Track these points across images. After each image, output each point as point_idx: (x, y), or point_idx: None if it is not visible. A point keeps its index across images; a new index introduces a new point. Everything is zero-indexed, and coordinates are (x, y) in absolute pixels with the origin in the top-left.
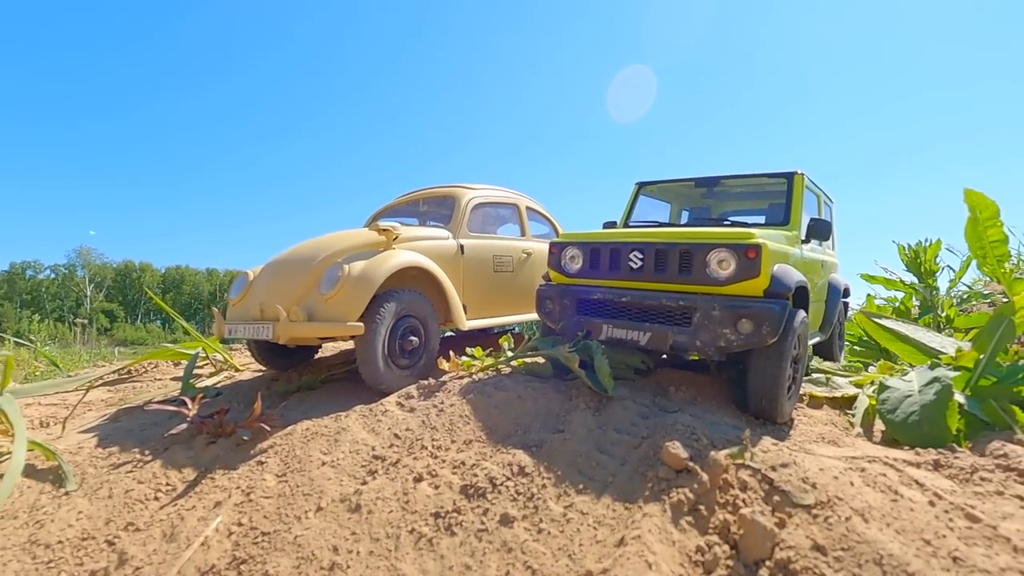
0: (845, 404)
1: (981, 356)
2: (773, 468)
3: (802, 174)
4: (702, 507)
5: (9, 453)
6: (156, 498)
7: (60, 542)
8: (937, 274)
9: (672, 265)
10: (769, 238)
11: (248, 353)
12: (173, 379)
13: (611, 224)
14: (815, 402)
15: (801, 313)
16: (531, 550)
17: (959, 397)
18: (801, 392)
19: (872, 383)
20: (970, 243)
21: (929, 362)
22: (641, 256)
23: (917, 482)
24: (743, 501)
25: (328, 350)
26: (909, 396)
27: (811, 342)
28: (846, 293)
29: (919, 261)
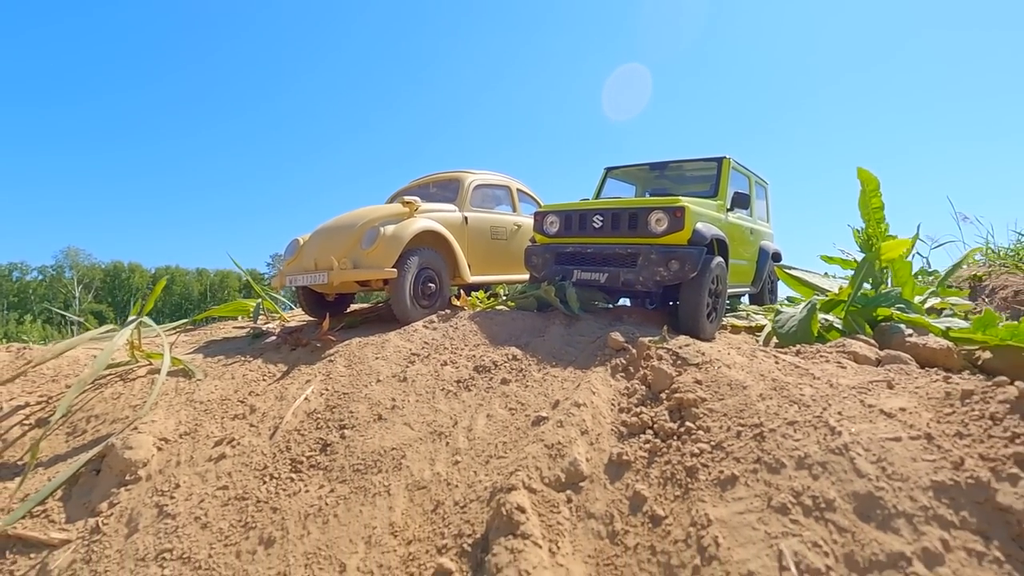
0: (758, 330)
1: (851, 291)
2: (679, 347)
3: (728, 158)
4: (631, 367)
5: (137, 362)
6: (264, 379)
7: (209, 400)
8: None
9: (623, 224)
10: (696, 204)
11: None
12: (235, 327)
13: (585, 200)
14: (736, 329)
15: (718, 258)
16: (520, 395)
17: (830, 317)
18: (725, 323)
19: (776, 313)
20: (861, 209)
21: (813, 295)
22: (601, 219)
23: (774, 356)
24: (656, 361)
25: (354, 308)
26: (792, 316)
27: (744, 292)
28: (777, 257)
29: (871, 243)
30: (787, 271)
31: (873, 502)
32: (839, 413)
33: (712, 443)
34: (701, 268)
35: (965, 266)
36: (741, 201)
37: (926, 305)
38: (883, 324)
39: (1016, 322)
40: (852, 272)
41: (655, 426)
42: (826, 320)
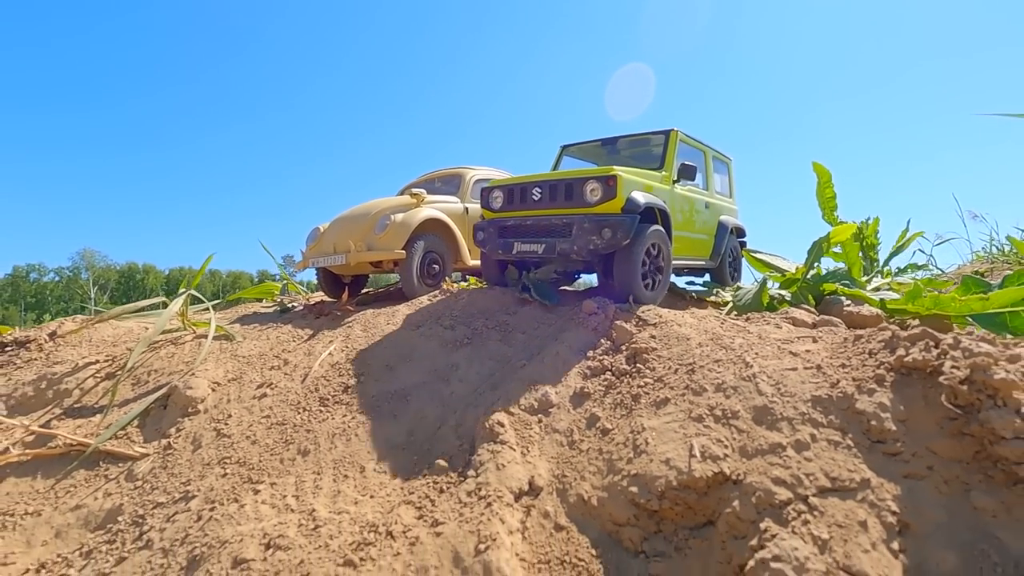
0: (724, 305)
1: (805, 270)
2: (642, 311)
3: (676, 131)
4: (599, 327)
5: (184, 330)
6: (293, 340)
7: (249, 355)
8: (878, 248)
9: (560, 195)
10: (633, 174)
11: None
12: (262, 307)
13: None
14: (703, 304)
15: (656, 227)
16: (505, 351)
17: (784, 292)
18: (694, 296)
19: (736, 289)
20: (818, 198)
21: (768, 273)
22: (540, 191)
23: (723, 319)
24: (621, 322)
25: (367, 291)
26: (749, 291)
27: (702, 266)
28: (740, 233)
29: (862, 236)
30: (753, 254)
31: (766, 411)
32: (756, 354)
33: (654, 378)
34: (635, 235)
35: (963, 263)
36: (687, 172)
37: (871, 286)
38: (828, 297)
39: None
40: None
41: (613, 369)
42: (780, 294)
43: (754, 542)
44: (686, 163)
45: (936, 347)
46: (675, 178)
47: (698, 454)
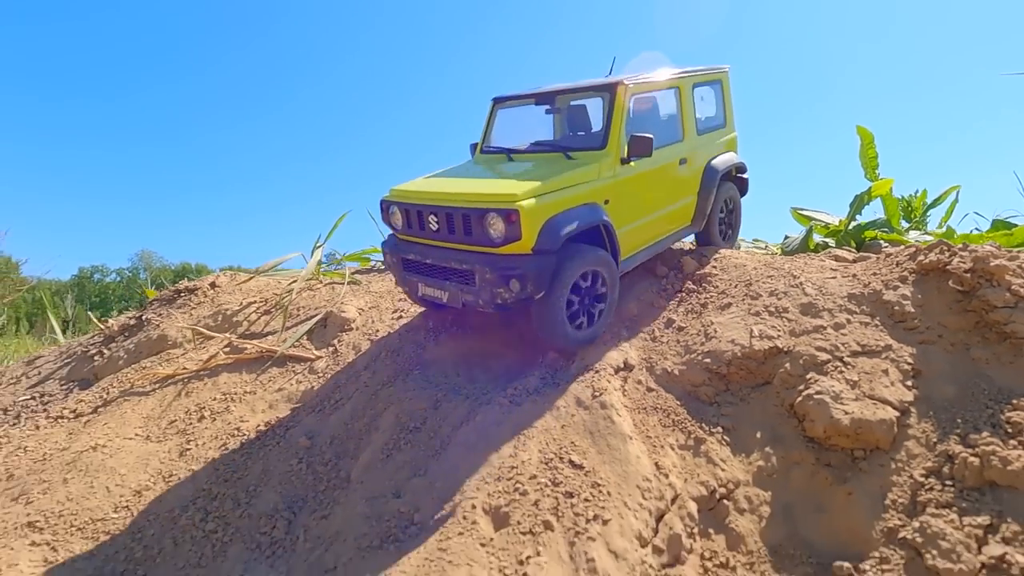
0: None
1: (848, 220)
2: (705, 252)
3: (623, 84)
4: (673, 272)
5: (319, 279)
6: (390, 292)
7: (379, 292)
8: (926, 218)
9: (458, 228)
10: (555, 184)
11: None
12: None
13: (476, 146)
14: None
15: (587, 252)
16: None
17: (829, 240)
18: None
19: (784, 239)
20: (861, 159)
21: (813, 223)
22: (436, 219)
23: (772, 255)
24: (688, 257)
25: None
26: (795, 239)
27: (682, 235)
28: (740, 171)
29: (910, 208)
30: (799, 210)
31: (810, 306)
32: (802, 271)
33: (718, 291)
34: (555, 278)
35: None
36: (641, 147)
37: (909, 236)
38: (868, 242)
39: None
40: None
41: (683, 289)
42: (824, 241)
43: (801, 387)
44: (639, 136)
45: (948, 250)
46: (625, 156)
47: (756, 335)
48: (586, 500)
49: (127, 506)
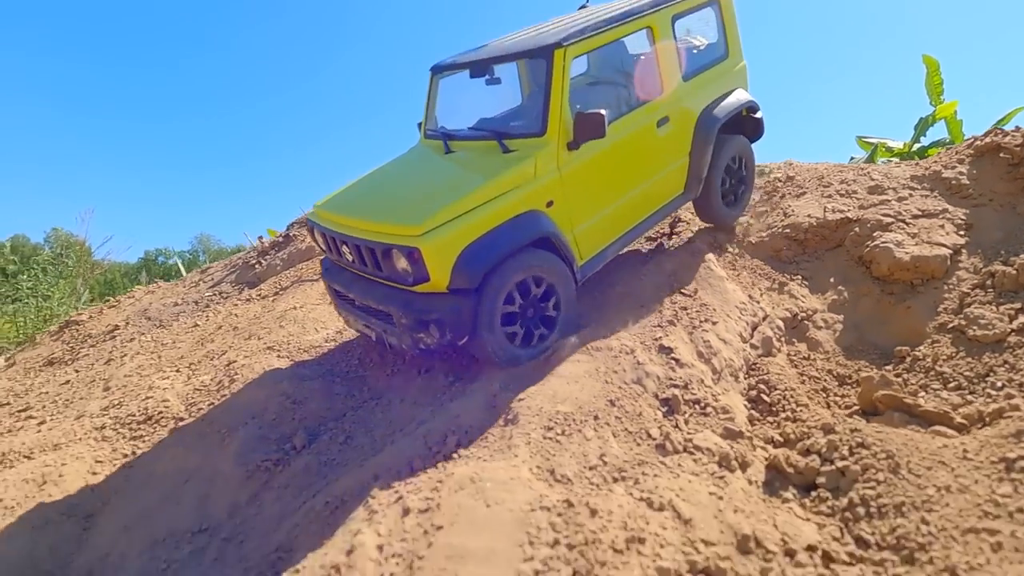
0: None
1: (913, 141)
2: (775, 173)
3: (562, 49)
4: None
5: None
6: None
7: None
8: None
9: (369, 261)
10: (468, 201)
11: None
12: None
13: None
14: None
15: (523, 264)
16: None
17: (896, 159)
18: None
19: (850, 159)
20: (927, 87)
21: (879, 145)
22: (348, 250)
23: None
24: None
25: None
26: (861, 159)
27: (678, 205)
28: (751, 110)
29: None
30: (863, 138)
31: (877, 187)
32: (871, 167)
33: (794, 185)
34: (477, 323)
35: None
36: (589, 128)
37: None
38: None
39: None
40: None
41: (761, 189)
42: (891, 161)
43: (868, 242)
44: (586, 114)
45: (1002, 132)
46: (572, 140)
47: (829, 209)
48: (697, 311)
49: (334, 339)
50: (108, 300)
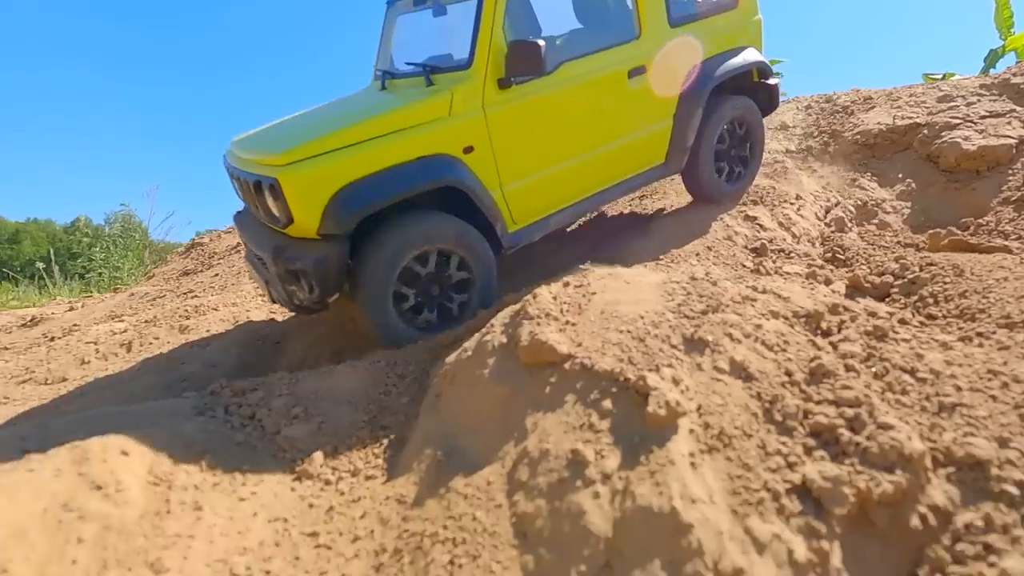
0: None
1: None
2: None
3: None
4: None
5: None
6: None
7: None
8: None
9: (251, 200)
10: (362, 130)
11: None
12: None
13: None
14: None
15: (421, 222)
16: None
17: None
18: None
19: None
20: (995, 21)
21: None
22: (239, 187)
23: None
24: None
25: None
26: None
27: (655, 177)
28: (762, 74)
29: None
30: (931, 75)
31: (945, 96)
32: (940, 82)
33: (862, 99)
34: (365, 269)
35: None
36: (523, 61)
37: None
38: None
39: None
40: None
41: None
42: None
43: (937, 141)
44: (519, 43)
45: None
46: (505, 77)
47: (899, 117)
48: (776, 193)
49: None
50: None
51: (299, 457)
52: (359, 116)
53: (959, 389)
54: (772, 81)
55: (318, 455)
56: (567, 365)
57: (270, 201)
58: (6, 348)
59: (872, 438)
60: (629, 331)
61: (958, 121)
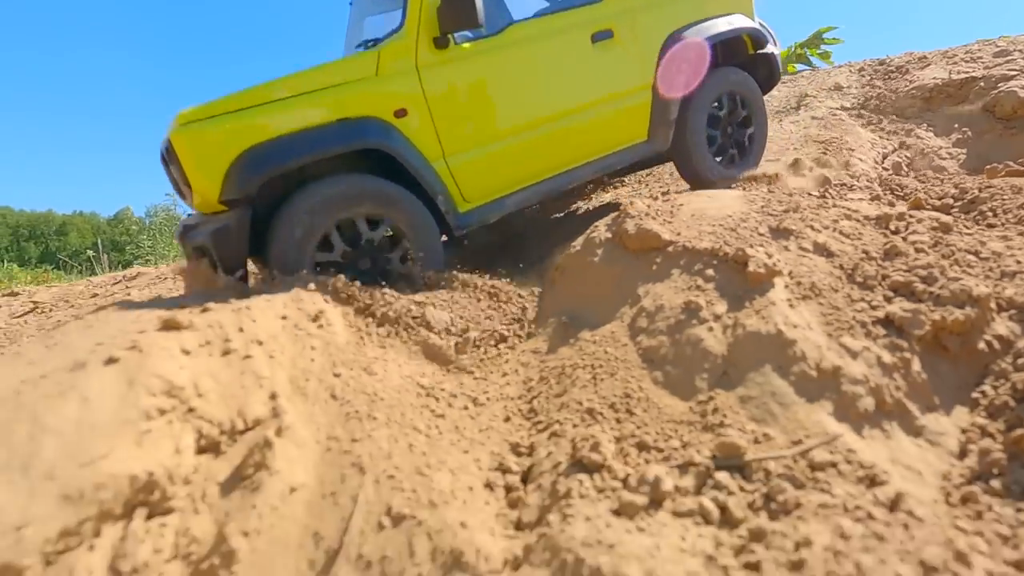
0: None
1: None
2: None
3: None
4: None
5: None
6: None
7: None
8: None
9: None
10: (250, 98)
11: None
12: None
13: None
14: None
15: (322, 187)
16: None
17: None
18: None
19: None
20: None
21: None
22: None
23: None
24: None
25: None
26: None
27: (637, 155)
28: (756, 43)
29: None
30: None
31: (1003, 51)
32: (997, 39)
33: (917, 57)
34: (275, 242)
35: None
36: (457, 13)
37: None
38: None
39: None
40: None
41: (887, 64)
42: None
43: (992, 91)
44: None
45: None
46: (441, 35)
47: (955, 72)
48: (834, 141)
49: None
50: None
51: (442, 331)
52: (269, 81)
53: (1019, 263)
54: (771, 50)
55: (458, 325)
56: (670, 248)
57: (173, 170)
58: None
59: (944, 287)
60: (720, 224)
61: (1015, 73)
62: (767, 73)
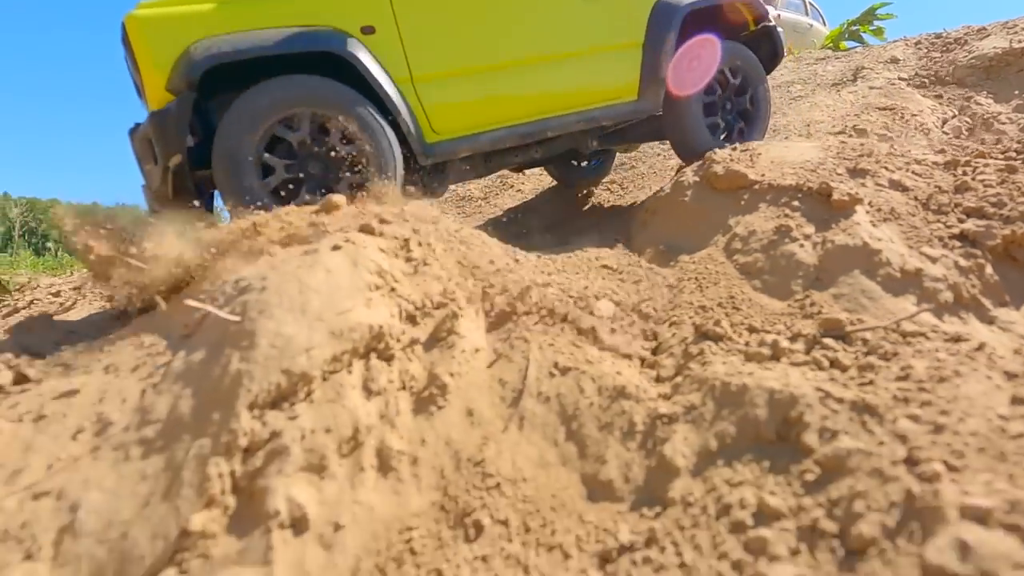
0: None
1: None
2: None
3: None
4: None
5: None
6: None
7: None
8: None
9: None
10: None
11: None
12: None
13: None
14: None
15: (271, 93)
16: None
17: None
18: None
19: None
20: None
21: None
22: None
23: None
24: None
25: None
26: None
27: (627, 114)
28: (756, 17)
29: None
30: None
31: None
32: None
33: (975, 32)
34: (228, 151)
35: None
36: None
37: None
38: None
39: None
40: None
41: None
42: None
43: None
44: None
45: None
46: None
47: (1014, 40)
48: (899, 108)
49: None
50: None
51: None
52: None
53: None
54: (768, 23)
55: None
56: (756, 186)
57: (128, 60)
58: None
59: (1013, 209)
60: (800, 167)
61: None
62: (770, 50)
